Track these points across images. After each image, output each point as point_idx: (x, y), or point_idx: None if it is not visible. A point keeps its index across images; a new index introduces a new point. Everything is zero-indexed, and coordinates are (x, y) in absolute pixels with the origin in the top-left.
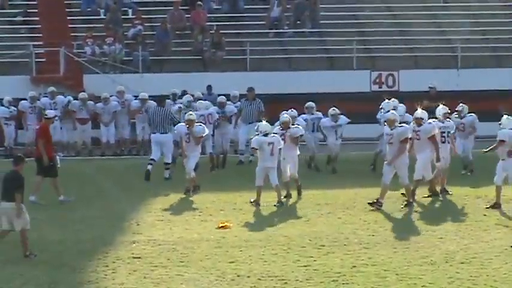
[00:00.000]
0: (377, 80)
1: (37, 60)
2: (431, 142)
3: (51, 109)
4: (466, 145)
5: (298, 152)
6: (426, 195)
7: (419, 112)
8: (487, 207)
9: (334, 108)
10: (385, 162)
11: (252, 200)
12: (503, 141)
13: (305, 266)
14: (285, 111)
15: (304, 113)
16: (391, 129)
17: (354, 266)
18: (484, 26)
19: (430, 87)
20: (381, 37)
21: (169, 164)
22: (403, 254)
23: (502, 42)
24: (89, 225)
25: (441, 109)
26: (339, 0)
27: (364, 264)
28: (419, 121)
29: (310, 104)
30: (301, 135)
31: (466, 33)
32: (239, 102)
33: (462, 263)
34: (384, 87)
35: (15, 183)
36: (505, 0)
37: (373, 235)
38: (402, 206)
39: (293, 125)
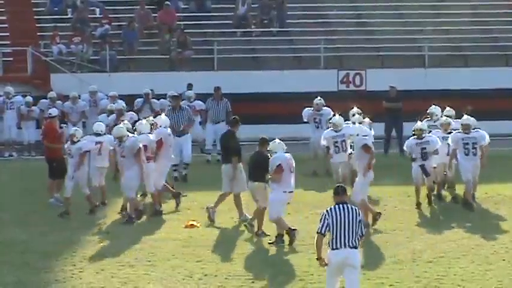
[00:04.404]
0: (344, 80)
1: (4, 59)
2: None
3: (7, 109)
4: None
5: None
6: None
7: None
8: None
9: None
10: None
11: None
12: None
13: (272, 266)
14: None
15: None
16: (121, 142)
17: None
18: (450, 25)
19: (390, 87)
20: (348, 36)
21: (188, 164)
22: (370, 253)
23: (468, 42)
24: (56, 225)
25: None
26: (306, 0)
27: None
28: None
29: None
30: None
31: (432, 32)
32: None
33: (429, 262)
34: (352, 87)
35: (260, 164)
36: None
37: None
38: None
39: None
